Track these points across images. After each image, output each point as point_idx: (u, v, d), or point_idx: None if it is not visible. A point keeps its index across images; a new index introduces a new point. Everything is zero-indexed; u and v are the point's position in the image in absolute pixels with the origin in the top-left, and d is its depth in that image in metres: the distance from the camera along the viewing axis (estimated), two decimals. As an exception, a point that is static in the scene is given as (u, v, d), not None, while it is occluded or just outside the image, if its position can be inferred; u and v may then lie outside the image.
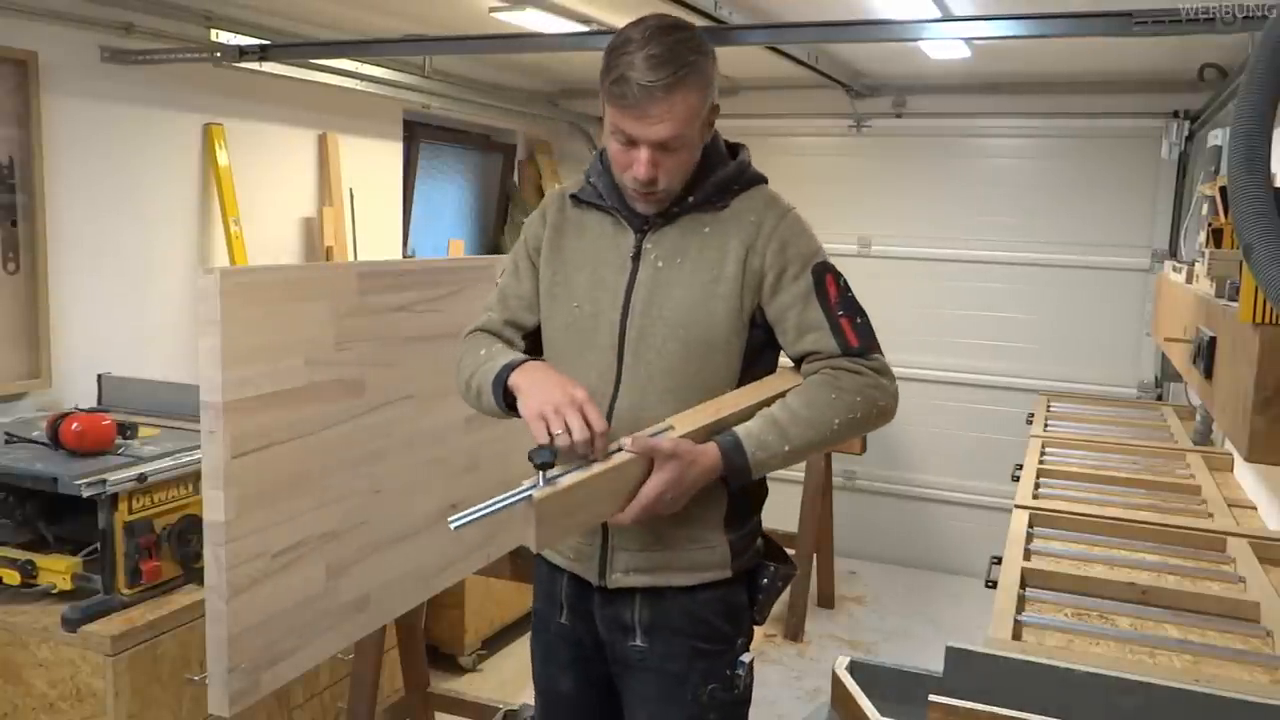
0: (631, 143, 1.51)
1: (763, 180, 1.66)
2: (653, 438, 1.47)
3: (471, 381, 1.65)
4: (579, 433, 1.42)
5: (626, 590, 1.64)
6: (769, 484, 1.73)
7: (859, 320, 1.57)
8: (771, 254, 1.57)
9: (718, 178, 1.60)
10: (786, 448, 1.50)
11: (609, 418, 1.58)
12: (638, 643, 1.65)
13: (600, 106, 1.58)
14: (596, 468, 1.44)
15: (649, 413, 1.56)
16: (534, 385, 1.52)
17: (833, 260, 1.62)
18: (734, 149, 1.67)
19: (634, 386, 1.59)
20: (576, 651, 1.74)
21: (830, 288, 1.57)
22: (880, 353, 1.58)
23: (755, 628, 1.73)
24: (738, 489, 1.58)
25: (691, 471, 1.47)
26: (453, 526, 1.39)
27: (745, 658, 1.68)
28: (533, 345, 1.73)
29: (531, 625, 1.84)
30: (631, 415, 1.57)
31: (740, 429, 1.51)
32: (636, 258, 1.60)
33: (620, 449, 1.47)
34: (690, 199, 1.59)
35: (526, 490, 1.38)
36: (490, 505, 1.39)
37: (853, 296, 1.59)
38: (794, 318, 1.56)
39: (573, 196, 1.69)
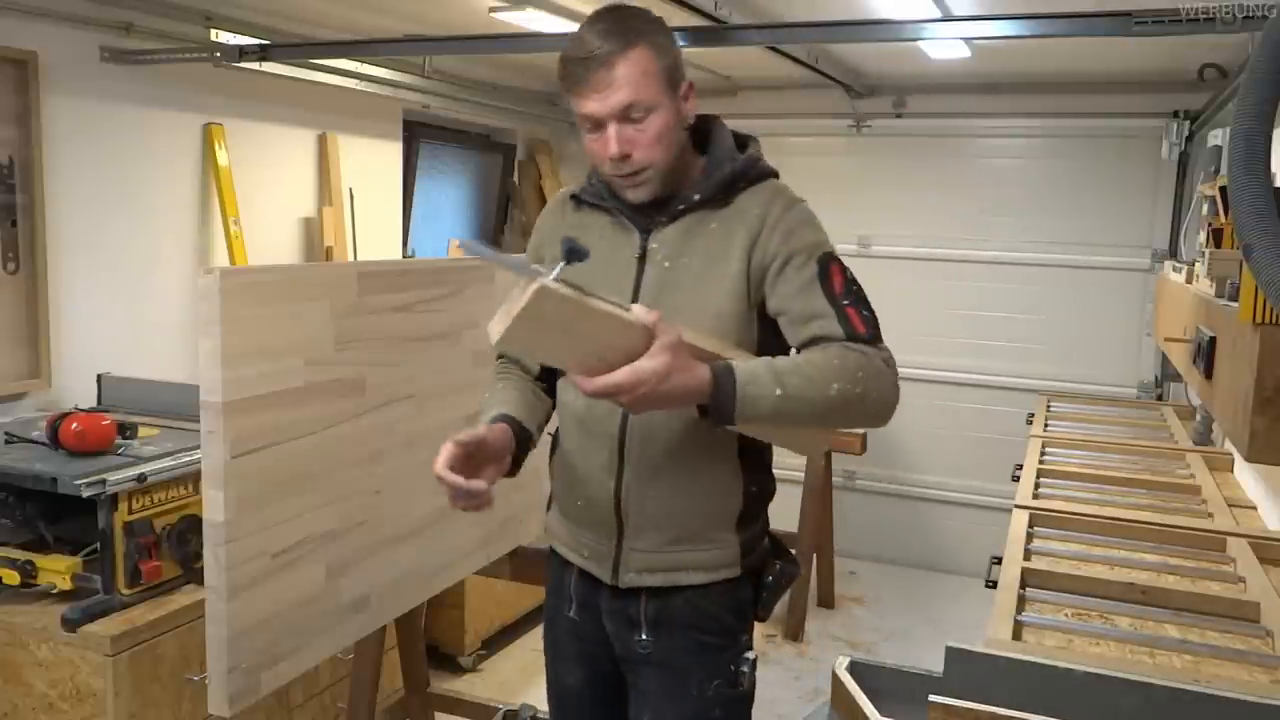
0: (598, 126, 1.49)
1: (773, 174, 1.61)
2: (663, 323, 1.35)
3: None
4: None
5: (637, 588, 1.64)
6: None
7: (865, 312, 1.50)
8: (775, 243, 1.52)
9: (724, 173, 1.56)
10: (778, 391, 1.38)
11: (622, 422, 1.57)
12: (643, 637, 1.65)
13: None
14: (605, 306, 1.33)
15: (660, 417, 1.54)
16: None
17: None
18: (743, 143, 1.63)
19: None
20: (584, 645, 1.74)
21: (836, 277, 1.50)
22: (887, 348, 1.52)
23: (757, 625, 1.73)
24: (754, 489, 1.61)
25: (678, 375, 1.34)
26: (460, 244, 1.36)
27: (749, 654, 1.67)
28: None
29: (544, 618, 1.85)
30: (644, 420, 1.55)
31: (735, 362, 1.43)
32: (642, 258, 1.58)
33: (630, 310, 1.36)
34: (696, 196, 1.56)
35: (540, 271, 1.27)
36: (502, 258, 1.34)
37: (860, 289, 1.53)
38: (798, 306, 1.50)
39: (574, 197, 1.68)
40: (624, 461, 1.59)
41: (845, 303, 1.49)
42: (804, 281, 1.50)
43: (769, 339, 1.57)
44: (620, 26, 1.46)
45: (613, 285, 1.56)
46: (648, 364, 1.31)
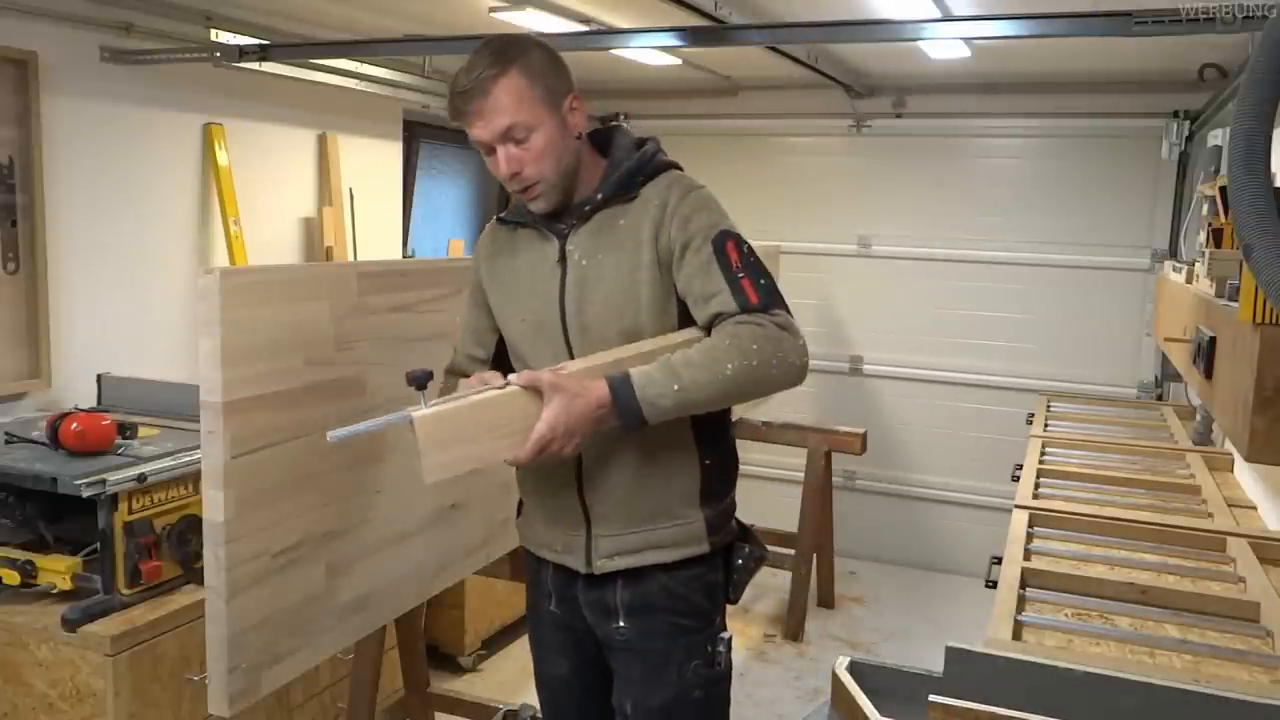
0: (489, 150, 1.60)
1: (674, 167, 1.70)
2: (534, 372, 1.50)
3: None
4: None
5: (610, 574, 1.69)
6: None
7: (762, 281, 1.58)
8: (675, 229, 1.61)
9: (621, 171, 1.65)
10: (676, 386, 1.49)
11: None
12: (620, 624, 1.71)
13: None
14: (478, 396, 1.47)
15: None
16: None
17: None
18: (642, 143, 1.71)
19: None
20: (569, 636, 1.80)
21: (731, 253, 1.58)
22: (786, 311, 1.58)
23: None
24: (710, 462, 1.67)
25: (578, 403, 1.47)
26: (330, 438, 1.45)
27: (725, 634, 1.74)
28: (503, 366, 1.79)
29: (527, 614, 1.90)
30: None
31: (631, 368, 1.53)
32: (562, 261, 1.67)
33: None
34: (599, 196, 1.65)
35: (409, 413, 1.43)
36: (371, 423, 1.45)
37: (757, 261, 1.61)
38: (698, 287, 1.59)
39: (500, 220, 1.80)
40: (582, 455, 1.66)
41: (740, 275, 1.57)
42: (701, 263, 1.59)
43: (690, 321, 1.64)
44: (493, 57, 1.56)
45: (541, 291, 1.69)
46: (548, 410, 1.46)
